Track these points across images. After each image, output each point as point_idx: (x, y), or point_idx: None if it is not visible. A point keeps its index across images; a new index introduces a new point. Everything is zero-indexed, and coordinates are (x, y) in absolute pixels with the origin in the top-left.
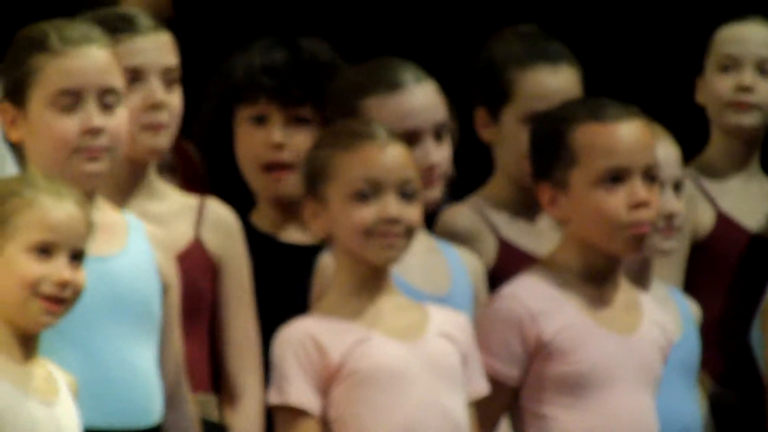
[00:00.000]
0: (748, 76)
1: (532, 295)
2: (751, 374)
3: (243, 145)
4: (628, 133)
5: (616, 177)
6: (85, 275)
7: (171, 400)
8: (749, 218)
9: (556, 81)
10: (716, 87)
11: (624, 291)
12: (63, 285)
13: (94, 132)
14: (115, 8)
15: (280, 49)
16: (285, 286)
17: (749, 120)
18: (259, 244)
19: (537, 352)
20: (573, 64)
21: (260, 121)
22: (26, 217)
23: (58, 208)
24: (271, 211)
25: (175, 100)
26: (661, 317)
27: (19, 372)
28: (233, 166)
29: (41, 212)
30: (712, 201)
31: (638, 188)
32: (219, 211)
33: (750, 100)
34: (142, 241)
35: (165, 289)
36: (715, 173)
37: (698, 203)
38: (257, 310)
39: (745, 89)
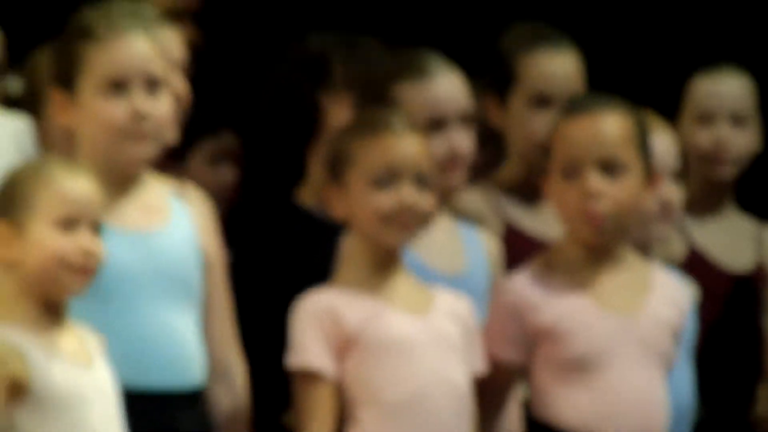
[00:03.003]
0: (725, 131)
1: (531, 286)
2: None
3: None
4: (583, 127)
5: (570, 170)
6: (103, 245)
7: (218, 373)
8: (725, 256)
9: (558, 63)
10: (694, 138)
11: (631, 270)
12: (89, 255)
13: (141, 117)
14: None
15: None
16: (326, 262)
17: (727, 172)
18: (302, 221)
19: (539, 338)
20: (574, 48)
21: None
22: (47, 194)
23: (75, 184)
24: (318, 190)
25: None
26: (676, 294)
27: (49, 340)
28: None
29: (61, 188)
30: (687, 236)
31: (589, 180)
32: (196, 195)
33: (728, 155)
34: (186, 220)
35: (208, 268)
36: (691, 212)
37: (673, 240)
38: (297, 286)
39: (723, 144)
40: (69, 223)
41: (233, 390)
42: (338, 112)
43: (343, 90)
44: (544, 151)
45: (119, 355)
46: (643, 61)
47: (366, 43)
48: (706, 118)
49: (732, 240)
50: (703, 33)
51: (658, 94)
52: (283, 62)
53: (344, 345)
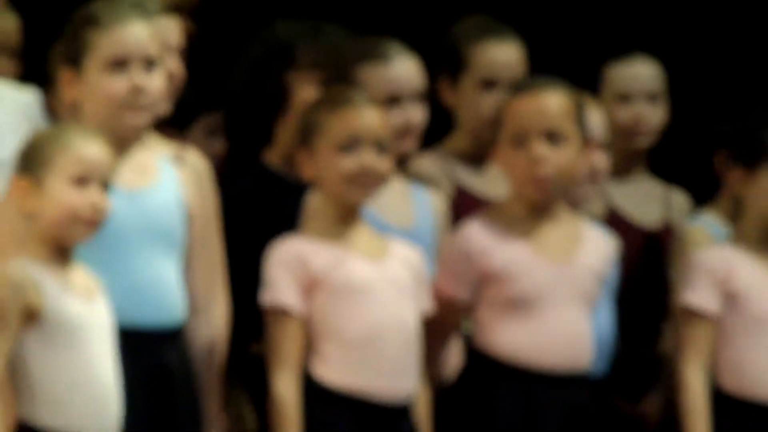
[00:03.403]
0: (642, 107)
1: (481, 233)
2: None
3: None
4: (531, 103)
5: (519, 140)
6: (110, 201)
7: (198, 311)
8: (638, 214)
9: (504, 52)
10: (614, 115)
11: (566, 225)
12: (97, 210)
13: (138, 91)
14: None
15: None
16: (290, 218)
17: (644, 142)
18: (272, 180)
19: (485, 279)
20: (518, 40)
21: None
22: (64, 155)
23: (89, 147)
24: (285, 155)
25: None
26: (602, 246)
27: (61, 276)
28: (263, 116)
29: (76, 150)
30: (606, 197)
31: (536, 148)
32: (195, 158)
33: (645, 128)
34: (172, 180)
35: (192, 220)
36: (610, 176)
37: (595, 200)
38: (265, 239)
39: (641, 119)
40: (81, 181)
41: (211, 326)
42: (303, 89)
43: (307, 70)
44: (490, 126)
45: (111, 296)
46: (564, 50)
47: (328, 30)
48: (625, 98)
49: (644, 201)
50: (612, 28)
51: (577, 77)
52: (254, 47)
53: (311, 286)
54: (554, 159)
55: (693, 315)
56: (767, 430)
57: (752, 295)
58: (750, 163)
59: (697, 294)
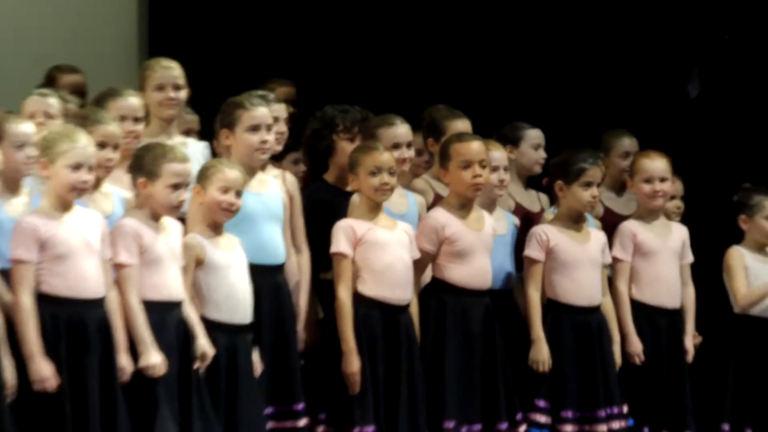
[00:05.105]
0: (478, 170)
1: (440, 215)
2: None
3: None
4: (470, 145)
5: (466, 164)
6: (242, 201)
7: (290, 254)
8: (526, 203)
9: (464, 125)
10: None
11: (478, 212)
12: (232, 204)
13: (264, 143)
14: (258, 91)
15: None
16: (343, 208)
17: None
18: (328, 191)
19: (442, 240)
20: (467, 118)
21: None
22: (216, 175)
23: (230, 171)
24: (337, 175)
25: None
26: (503, 222)
27: (215, 239)
28: (324, 160)
29: (223, 173)
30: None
31: (475, 169)
32: (290, 176)
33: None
34: (277, 186)
35: (289, 208)
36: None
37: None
38: (328, 220)
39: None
40: (224, 189)
41: (300, 263)
42: (343, 142)
43: (344, 133)
44: None
45: (247, 248)
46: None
47: (353, 109)
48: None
49: (528, 196)
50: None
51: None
52: (314, 119)
53: (356, 242)
54: (484, 175)
55: (531, 261)
56: (572, 318)
57: (560, 249)
58: (566, 180)
59: (533, 249)
